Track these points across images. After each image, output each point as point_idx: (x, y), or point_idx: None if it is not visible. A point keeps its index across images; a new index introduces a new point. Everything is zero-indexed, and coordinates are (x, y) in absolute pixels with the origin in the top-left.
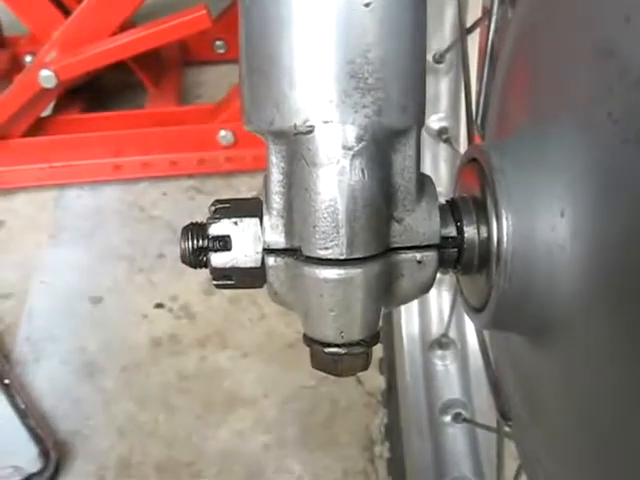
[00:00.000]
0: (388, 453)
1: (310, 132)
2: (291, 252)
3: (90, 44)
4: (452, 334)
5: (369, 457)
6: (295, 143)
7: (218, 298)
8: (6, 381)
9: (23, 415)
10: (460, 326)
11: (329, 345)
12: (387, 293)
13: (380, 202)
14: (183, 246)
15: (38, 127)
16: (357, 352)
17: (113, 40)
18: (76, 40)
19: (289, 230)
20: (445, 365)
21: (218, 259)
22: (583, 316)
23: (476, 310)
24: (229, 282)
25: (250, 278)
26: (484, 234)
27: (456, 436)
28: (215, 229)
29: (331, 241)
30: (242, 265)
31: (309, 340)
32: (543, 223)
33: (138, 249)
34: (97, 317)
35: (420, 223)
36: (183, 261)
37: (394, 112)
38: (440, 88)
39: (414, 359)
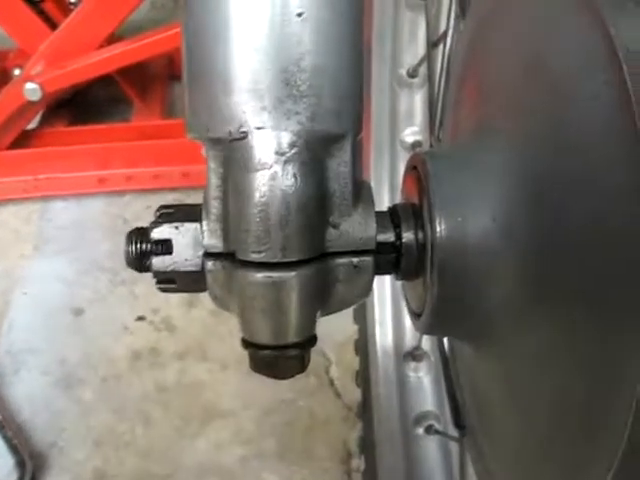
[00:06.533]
0: (364, 466)
1: (244, 138)
2: (228, 256)
3: (76, 57)
4: (425, 346)
5: (346, 470)
6: (230, 149)
7: (199, 311)
8: None
9: (0, 426)
10: (433, 338)
11: (263, 348)
12: (323, 297)
13: (313, 207)
14: (127, 249)
15: (24, 139)
16: (291, 355)
17: (99, 53)
18: (62, 53)
19: (226, 234)
20: (418, 377)
21: (159, 263)
22: (515, 318)
23: (416, 315)
24: (172, 285)
25: (192, 282)
26: (421, 240)
27: (429, 448)
28: (157, 233)
29: (263, 245)
30: (183, 269)
31: (246, 343)
32: (475, 228)
33: (121, 261)
34: (78, 329)
35: (356, 228)
36: (128, 264)
37: (327, 118)
38: (414, 102)
39: (388, 371)
